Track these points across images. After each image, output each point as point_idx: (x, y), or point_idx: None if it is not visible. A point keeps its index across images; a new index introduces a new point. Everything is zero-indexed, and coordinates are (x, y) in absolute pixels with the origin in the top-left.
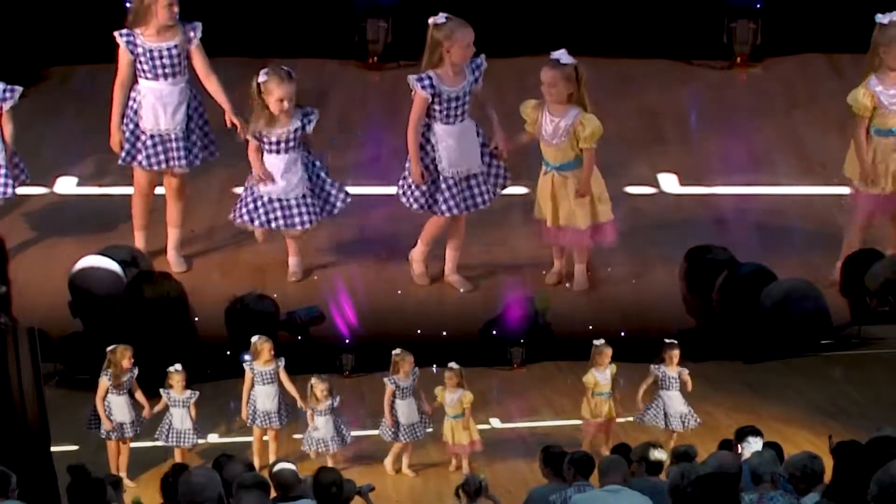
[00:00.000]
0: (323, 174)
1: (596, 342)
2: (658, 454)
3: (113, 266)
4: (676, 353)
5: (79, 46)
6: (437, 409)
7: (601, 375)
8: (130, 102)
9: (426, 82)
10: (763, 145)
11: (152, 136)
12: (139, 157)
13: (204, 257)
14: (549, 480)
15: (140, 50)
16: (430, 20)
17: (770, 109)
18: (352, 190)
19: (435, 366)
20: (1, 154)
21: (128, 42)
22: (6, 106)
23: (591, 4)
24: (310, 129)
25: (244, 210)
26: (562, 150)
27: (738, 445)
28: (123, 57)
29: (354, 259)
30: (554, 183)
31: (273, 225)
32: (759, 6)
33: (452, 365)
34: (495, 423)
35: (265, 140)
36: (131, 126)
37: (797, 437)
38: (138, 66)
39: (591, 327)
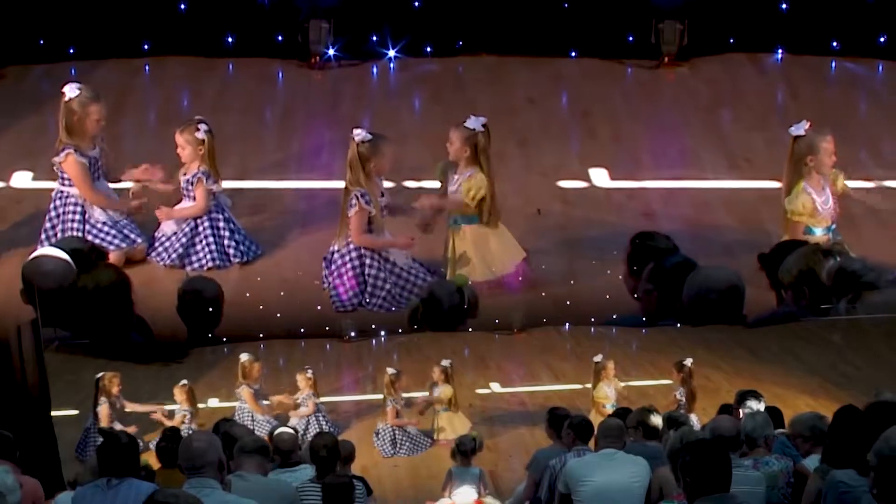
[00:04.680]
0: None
1: (596, 358)
2: (655, 419)
3: (64, 256)
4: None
5: (34, 46)
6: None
7: (609, 389)
8: (59, 205)
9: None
10: (690, 141)
11: (106, 223)
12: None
13: None
14: (554, 442)
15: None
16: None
17: (696, 107)
18: (295, 183)
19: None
20: None
21: (78, 153)
22: None
23: (525, 6)
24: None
25: None
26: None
27: (739, 409)
28: (78, 166)
29: (298, 247)
30: (454, 236)
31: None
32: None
33: (444, 362)
34: (495, 387)
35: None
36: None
37: (797, 401)
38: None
39: (522, 318)
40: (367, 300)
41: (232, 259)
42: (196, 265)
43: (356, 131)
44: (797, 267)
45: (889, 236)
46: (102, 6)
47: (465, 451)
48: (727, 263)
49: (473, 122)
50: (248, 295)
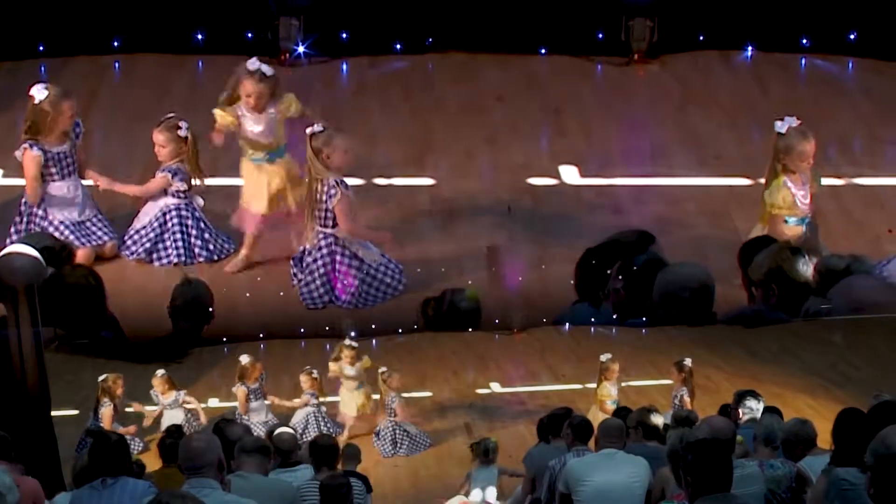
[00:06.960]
0: None
1: (603, 357)
2: (655, 419)
3: (34, 253)
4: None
5: (1, 43)
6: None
7: (613, 388)
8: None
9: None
10: (660, 138)
11: (79, 223)
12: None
13: None
14: (551, 442)
15: (49, 156)
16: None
17: (666, 104)
18: None
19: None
20: None
21: (39, 150)
22: None
23: (495, 3)
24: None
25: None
26: (272, 143)
27: (738, 409)
28: (34, 165)
29: (272, 244)
30: (267, 172)
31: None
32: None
33: (347, 341)
34: (495, 387)
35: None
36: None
37: (796, 401)
38: (44, 170)
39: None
40: (338, 297)
41: (197, 257)
42: (165, 261)
43: (309, 128)
44: (766, 265)
45: (859, 233)
46: (72, 2)
47: (487, 450)
48: (697, 261)
49: (268, 68)
50: (248, 295)
